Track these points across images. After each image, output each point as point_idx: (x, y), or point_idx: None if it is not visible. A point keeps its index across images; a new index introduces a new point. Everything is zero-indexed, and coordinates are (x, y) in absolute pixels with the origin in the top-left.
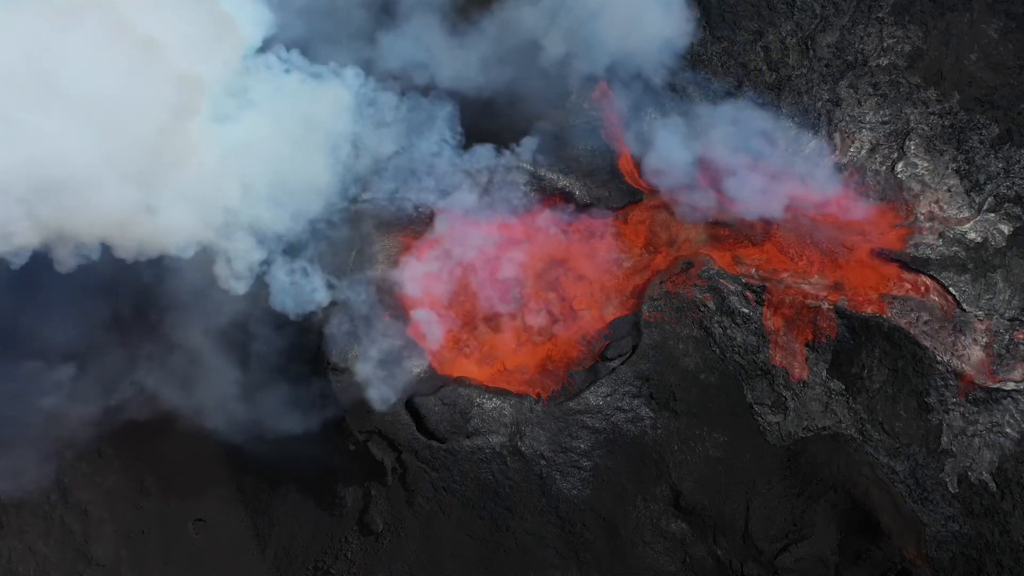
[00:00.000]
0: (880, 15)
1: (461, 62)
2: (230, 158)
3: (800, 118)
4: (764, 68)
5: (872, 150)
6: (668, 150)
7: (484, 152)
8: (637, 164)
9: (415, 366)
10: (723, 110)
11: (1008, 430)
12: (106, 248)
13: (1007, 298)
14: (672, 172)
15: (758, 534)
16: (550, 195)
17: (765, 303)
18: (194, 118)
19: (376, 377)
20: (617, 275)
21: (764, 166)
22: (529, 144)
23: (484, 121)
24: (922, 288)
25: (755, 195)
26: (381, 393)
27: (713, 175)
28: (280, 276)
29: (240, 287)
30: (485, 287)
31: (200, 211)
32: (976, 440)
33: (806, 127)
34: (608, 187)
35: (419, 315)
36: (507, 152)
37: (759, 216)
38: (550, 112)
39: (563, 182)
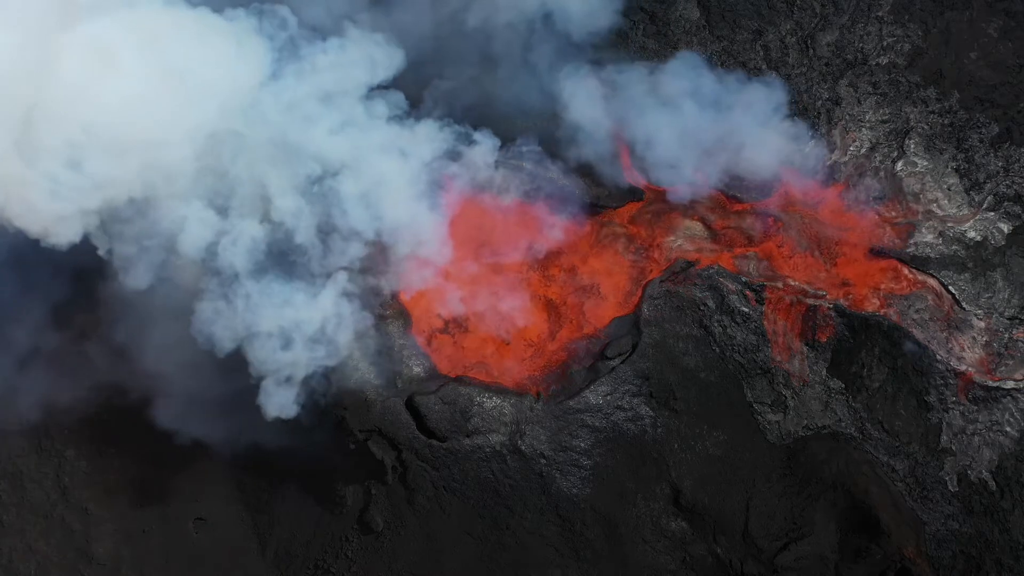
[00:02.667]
0: (880, 14)
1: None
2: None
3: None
4: (764, 67)
5: (872, 149)
6: (590, 116)
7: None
8: (634, 161)
9: (332, 360)
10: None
11: (1008, 428)
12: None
13: (1007, 296)
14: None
15: (758, 532)
16: (547, 192)
17: (765, 302)
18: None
19: (276, 374)
20: (617, 273)
21: (698, 132)
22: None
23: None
24: (922, 287)
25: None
26: (279, 399)
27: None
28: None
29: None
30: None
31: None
32: (976, 438)
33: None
34: (608, 186)
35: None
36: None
37: (691, 190)
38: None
39: (563, 180)
